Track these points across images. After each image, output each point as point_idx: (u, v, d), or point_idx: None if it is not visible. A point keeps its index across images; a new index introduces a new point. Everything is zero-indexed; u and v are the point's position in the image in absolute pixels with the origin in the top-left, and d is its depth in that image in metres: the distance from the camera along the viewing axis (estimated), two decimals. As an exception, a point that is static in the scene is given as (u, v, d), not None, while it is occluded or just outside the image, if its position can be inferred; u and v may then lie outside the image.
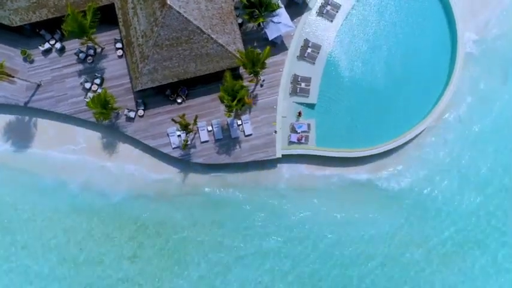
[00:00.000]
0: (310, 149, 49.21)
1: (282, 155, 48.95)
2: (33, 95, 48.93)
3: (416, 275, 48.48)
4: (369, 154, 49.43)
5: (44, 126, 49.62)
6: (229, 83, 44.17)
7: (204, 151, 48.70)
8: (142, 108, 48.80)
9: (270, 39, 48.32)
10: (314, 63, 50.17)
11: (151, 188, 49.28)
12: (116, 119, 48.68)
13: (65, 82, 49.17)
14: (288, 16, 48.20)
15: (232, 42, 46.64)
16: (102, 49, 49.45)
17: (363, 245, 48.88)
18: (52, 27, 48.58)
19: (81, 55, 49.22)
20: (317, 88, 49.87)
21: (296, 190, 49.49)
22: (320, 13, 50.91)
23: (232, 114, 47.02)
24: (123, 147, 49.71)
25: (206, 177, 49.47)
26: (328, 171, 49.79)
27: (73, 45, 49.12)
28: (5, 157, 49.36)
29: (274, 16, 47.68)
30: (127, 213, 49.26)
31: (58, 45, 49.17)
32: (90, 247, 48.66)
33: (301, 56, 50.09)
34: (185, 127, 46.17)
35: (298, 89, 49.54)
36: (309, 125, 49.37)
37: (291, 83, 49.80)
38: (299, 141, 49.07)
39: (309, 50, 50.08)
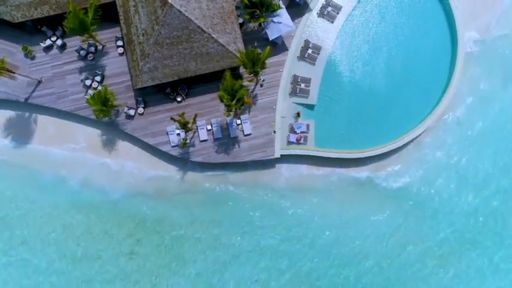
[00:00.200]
0: (309, 149, 49.37)
1: (281, 155, 49.14)
2: (33, 91, 49.12)
3: (413, 275, 48.71)
4: (368, 155, 49.60)
5: (44, 122, 49.83)
6: (228, 82, 44.31)
7: (203, 150, 48.88)
8: (142, 106, 48.97)
9: (270, 39, 48.43)
10: (314, 64, 50.28)
11: (150, 185, 49.50)
12: (115, 116, 48.88)
13: (66, 79, 49.35)
14: (288, 17, 48.32)
15: (233, 42, 46.77)
16: (103, 46, 49.60)
17: (361, 244, 49.07)
18: (54, 23, 48.75)
19: (82, 52, 49.39)
20: (317, 89, 49.99)
21: (294, 190, 49.71)
22: (321, 14, 51.00)
23: (232, 113, 47.20)
24: (123, 145, 49.90)
25: (205, 176, 49.67)
26: (327, 171, 49.98)
27: (74, 42, 49.30)
28: (5, 152, 49.62)
29: (275, 16, 47.81)
30: (126, 210, 49.50)
31: (59, 42, 49.35)
32: (88, 243, 48.90)
33: (302, 57, 50.22)
34: (184, 126, 46.35)
35: (298, 89, 49.67)
36: (308, 126, 49.52)
37: (291, 83, 49.93)
38: (298, 142, 49.23)
39: (309, 51, 50.19)
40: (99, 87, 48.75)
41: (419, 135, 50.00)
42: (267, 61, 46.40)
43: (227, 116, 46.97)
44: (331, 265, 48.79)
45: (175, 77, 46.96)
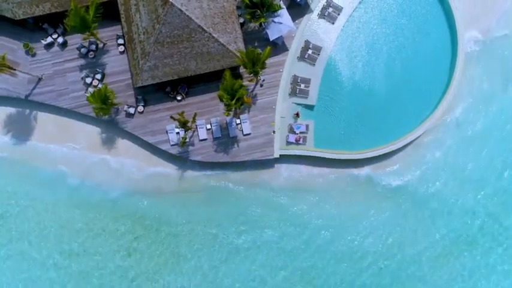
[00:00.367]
0: (308, 150, 49.43)
1: (280, 155, 49.22)
2: (34, 88, 49.27)
3: (411, 275, 48.76)
4: (367, 156, 49.65)
5: (44, 119, 49.97)
6: (228, 82, 44.41)
7: (202, 149, 48.98)
8: (142, 104, 49.10)
9: (271, 39, 48.52)
10: (314, 64, 50.37)
11: (149, 183, 49.61)
12: (115, 114, 49.00)
13: (66, 76, 49.50)
14: (289, 17, 48.44)
15: (233, 42, 46.88)
16: (104, 44, 49.75)
17: (358, 244, 49.17)
18: (55, 21, 48.90)
19: (83, 50, 49.54)
20: (317, 90, 50.08)
21: (293, 190, 49.80)
22: (322, 15, 51.10)
23: (231, 113, 47.28)
24: (122, 143, 50.03)
25: (204, 175, 49.78)
26: (326, 171, 50.04)
27: (75, 40, 49.45)
28: (5, 149, 49.76)
29: (275, 17, 47.91)
30: (124, 207, 49.58)
31: (60, 40, 49.49)
32: (86, 240, 49.02)
33: (302, 57, 50.31)
34: (184, 124, 46.46)
35: (297, 90, 49.76)
36: (307, 126, 49.60)
37: (291, 83, 50.02)
38: (297, 142, 49.31)
39: (310, 52, 50.28)
40: (100, 85, 48.88)
41: (419, 136, 50.04)
42: (267, 61, 46.49)
43: (227, 116, 47.05)
44: (327, 263, 48.85)
45: (175, 76, 47.08)
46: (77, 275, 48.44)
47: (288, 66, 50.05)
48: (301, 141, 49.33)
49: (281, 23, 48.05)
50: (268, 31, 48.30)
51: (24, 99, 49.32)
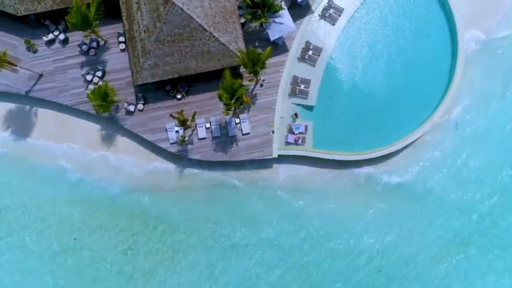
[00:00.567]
0: (307, 150, 49.53)
1: (279, 155, 49.33)
2: (35, 84, 49.44)
3: (408, 274, 48.95)
4: (365, 158, 49.76)
5: (44, 116, 50.14)
6: (228, 81, 44.53)
7: (201, 148, 49.10)
8: (142, 102, 49.24)
9: (271, 39, 48.65)
10: (314, 65, 50.49)
11: (148, 181, 49.76)
12: (115, 112, 49.15)
13: (67, 73, 49.66)
14: (290, 18, 48.58)
15: (234, 41, 47.01)
16: (105, 42, 49.91)
17: (355, 243, 49.33)
18: (57, 18, 49.11)
19: (84, 47, 49.71)
20: (316, 90, 50.20)
21: (291, 189, 49.94)
22: (323, 16, 51.21)
23: (231, 112, 47.43)
24: (122, 140, 50.18)
25: (202, 173, 49.89)
26: (325, 172, 50.19)
27: (76, 37, 49.61)
28: (5, 145, 49.92)
29: (276, 17, 48.06)
30: (122, 205, 49.74)
31: (62, 37, 49.67)
32: (84, 237, 49.16)
33: (302, 58, 50.43)
34: (183, 123, 46.60)
35: (297, 90, 49.87)
36: (306, 127, 49.70)
37: (291, 84, 50.13)
38: (296, 142, 49.41)
39: (310, 52, 50.40)
40: (100, 83, 49.01)
41: (418, 138, 50.12)
42: (267, 61, 46.63)
43: (226, 115, 47.17)
44: (324, 261, 48.99)
45: (175, 75, 47.22)
46: (74, 270, 48.61)
47: (288, 67, 50.17)
48: (300, 142, 49.44)
49: (282, 24, 48.20)
50: (268, 31, 48.43)
51: (24, 95, 49.52)
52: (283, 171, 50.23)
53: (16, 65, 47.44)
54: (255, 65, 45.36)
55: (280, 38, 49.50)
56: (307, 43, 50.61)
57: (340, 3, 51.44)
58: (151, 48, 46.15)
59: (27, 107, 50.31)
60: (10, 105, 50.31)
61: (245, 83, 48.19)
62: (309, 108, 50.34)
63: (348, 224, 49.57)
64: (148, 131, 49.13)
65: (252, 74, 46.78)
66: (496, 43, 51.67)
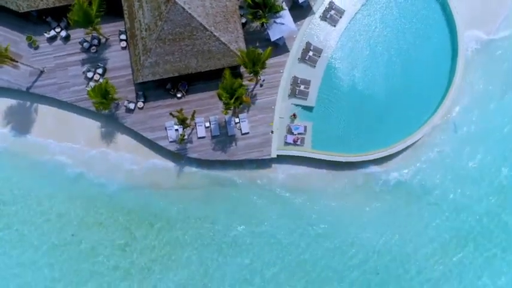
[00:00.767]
0: (306, 151, 49.65)
1: (278, 155, 49.45)
2: (35, 81, 49.60)
3: (403, 274, 49.09)
4: (364, 159, 49.88)
5: (44, 112, 50.23)
6: (228, 80, 44.68)
7: (200, 146, 49.24)
8: (142, 100, 49.39)
9: (272, 40, 48.80)
10: (315, 66, 50.61)
11: (147, 179, 49.92)
12: (115, 109, 49.31)
13: (68, 70, 49.82)
14: (291, 18, 48.71)
15: (235, 41, 47.16)
16: (107, 40, 50.06)
17: (352, 242, 49.50)
18: (58, 15, 49.21)
19: (86, 44, 49.86)
20: (316, 91, 50.32)
21: (290, 189, 50.11)
22: (323, 17, 51.32)
23: (230, 111, 47.57)
24: (121, 138, 50.32)
25: (201, 172, 50.04)
26: (323, 173, 50.33)
27: (78, 34, 49.75)
28: (5, 141, 50.03)
29: (277, 17, 48.18)
30: (121, 203, 49.87)
31: (63, 33, 49.82)
32: (82, 234, 49.29)
33: (302, 59, 50.55)
34: (183, 122, 46.74)
35: (297, 91, 49.99)
36: (305, 127, 49.82)
37: (291, 84, 50.24)
38: (295, 143, 49.53)
39: (310, 53, 50.52)
40: (101, 80, 49.17)
41: (418, 140, 50.23)
42: (267, 61, 46.78)
43: (225, 114, 47.31)
44: (320, 259, 49.17)
45: (176, 73, 47.38)
46: (71, 266, 48.72)
47: (288, 67, 50.29)
48: (299, 142, 49.56)
49: (283, 24, 48.35)
50: (269, 31, 48.57)
51: (25, 91, 49.65)
52: (282, 171, 50.35)
53: (17, 61, 47.59)
54: (255, 65, 45.50)
55: (281, 38, 49.62)
56: (308, 44, 50.73)
57: (341, 4, 51.53)
58: (152, 46, 46.31)
59: (28, 103, 50.47)
60: (11, 101, 50.41)
61: (245, 82, 48.34)
62: (309, 109, 50.47)
63: (345, 224, 49.72)
64: (148, 129, 49.29)
65: (252, 74, 46.92)
66: (496, 44, 51.76)
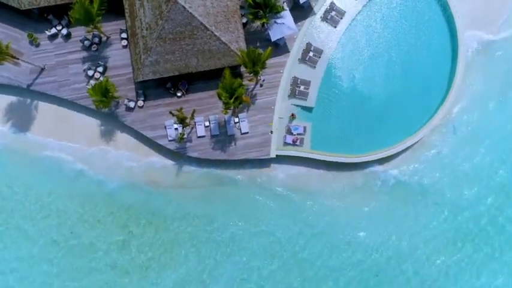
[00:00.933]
0: (305, 151, 49.72)
1: (277, 155, 49.53)
2: (36, 78, 49.73)
3: (400, 274, 49.24)
4: (363, 160, 49.97)
5: (45, 109, 50.40)
6: (228, 80, 44.76)
7: (199, 146, 49.34)
8: (143, 99, 49.49)
9: (272, 40, 48.85)
10: (315, 67, 50.67)
11: (146, 178, 50.07)
12: (115, 107, 49.41)
13: (69, 68, 49.95)
14: (292, 19, 48.78)
15: (235, 41, 47.24)
16: (108, 38, 50.17)
17: (349, 240, 49.64)
18: (60, 13, 49.35)
19: (86, 42, 49.98)
20: (316, 92, 50.38)
21: (288, 189, 50.24)
22: (324, 18, 51.37)
23: (230, 111, 47.64)
24: (121, 136, 50.44)
25: (200, 171, 50.17)
26: (322, 173, 50.43)
27: (79, 32, 49.84)
28: (5, 138, 50.22)
29: (278, 18, 48.25)
30: (120, 201, 50.04)
31: (64, 31, 49.94)
32: (81, 231, 49.48)
33: (303, 59, 50.62)
34: (182, 120, 46.83)
35: (297, 91, 50.07)
36: (305, 128, 49.89)
37: (291, 85, 50.31)
38: (294, 143, 49.60)
39: (311, 54, 50.58)
40: (101, 78, 49.26)
41: (417, 142, 50.29)
42: (267, 62, 46.87)
43: (225, 114, 47.38)
44: (318, 258, 49.35)
45: (176, 72, 47.48)
46: (69, 261, 48.94)
47: (288, 68, 50.36)
48: (298, 143, 49.63)
49: (283, 24, 48.40)
50: (270, 32, 48.64)
51: (25, 88, 49.80)
52: (281, 171, 50.49)
53: (18, 58, 47.73)
54: (255, 64, 45.59)
55: (282, 38, 49.69)
56: (308, 44, 50.79)
57: (342, 5, 51.56)
58: (152, 45, 46.41)
59: (28, 100, 50.60)
60: (11, 98, 50.57)
61: (245, 82, 48.43)
62: (308, 109, 50.53)
63: (343, 223, 49.85)
64: (147, 127, 49.40)
65: (252, 74, 47.00)
66: (497, 45, 51.73)
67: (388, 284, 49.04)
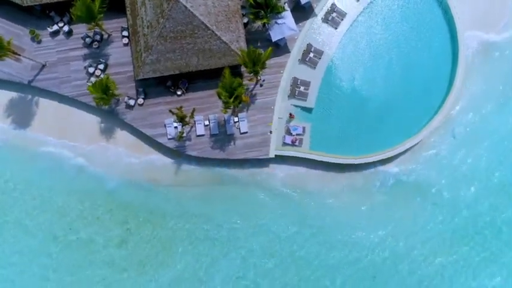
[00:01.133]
0: (303, 152, 49.86)
1: (276, 155, 49.69)
2: (37, 74, 49.94)
3: (397, 273, 49.45)
4: (362, 162, 50.07)
5: (45, 106, 50.62)
6: (227, 79, 44.91)
7: (199, 144, 49.54)
8: (143, 97, 49.67)
9: (273, 40, 48.96)
10: (315, 68, 50.77)
11: (145, 176, 50.27)
12: (115, 105, 49.62)
13: (70, 65, 50.15)
14: (292, 20, 48.87)
15: (236, 41, 47.38)
16: (109, 36, 50.34)
17: (347, 240, 49.83)
18: (62, 10, 49.55)
19: (88, 40, 50.16)
20: (315, 93, 50.49)
21: (287, 188, 50.42)
22: (325, 19, 51.43)
23: (229, 110, 47.80)
24: (121, 134, 50.65)
25: (199, 170, 50.36)
26: (321, 174, 50.57)
27: (80, 29, 50.00)
28: (5, 134, 50.44)
29: (279, 18, 48.34)
30: (119, 198, 50.26)
31: (66, 28, 50.14)
32: (79, 228, 49.73)
33: (303, 60, 50.72)
34: (182, 119, 47.02)
35: (297, 92, 50.19)
36: (304, 128, 50.03)
37: (291, 85, 50.43)
38: (293, 144, 49.76)
39: (311, 55, 50.67)
40: (102, 76, 49.44)
41: (417, 143, 50.41)
42: (268, 62, 47.01)
43: (224, 113, 47.55)
44: (316, 257, 49.58)
45: (176, 71, 47.65)
46: (68, 257, 49.24)
47: (288, 68, 50.48)
48: (297, 143, 49.78)
49: (284, 25, 48.48)
50: (271, 32, 48.75)
51: (26, 84, 50.01)
52: (280, 170, 50.66)
53: (20, 55, 47.97)
54: (256, 64, 45.71)
55: (282, 39, 49.78)
56: (309, 45, 50.88)
57: (343, 7, 51.59)
58: (153, 43, 46.58)
59: (29, 97, 50.81)
60: (12, 94, 50.78)
61: (245, 82, 48.58)
62: (308, 110, 50.65)
63: (341, 223, 50.03)
64: (147, 125, 49.58)
65: (252, 74, 47.13)
66: (497, 46, 51.70)
67: (385, 284, 49.21)
